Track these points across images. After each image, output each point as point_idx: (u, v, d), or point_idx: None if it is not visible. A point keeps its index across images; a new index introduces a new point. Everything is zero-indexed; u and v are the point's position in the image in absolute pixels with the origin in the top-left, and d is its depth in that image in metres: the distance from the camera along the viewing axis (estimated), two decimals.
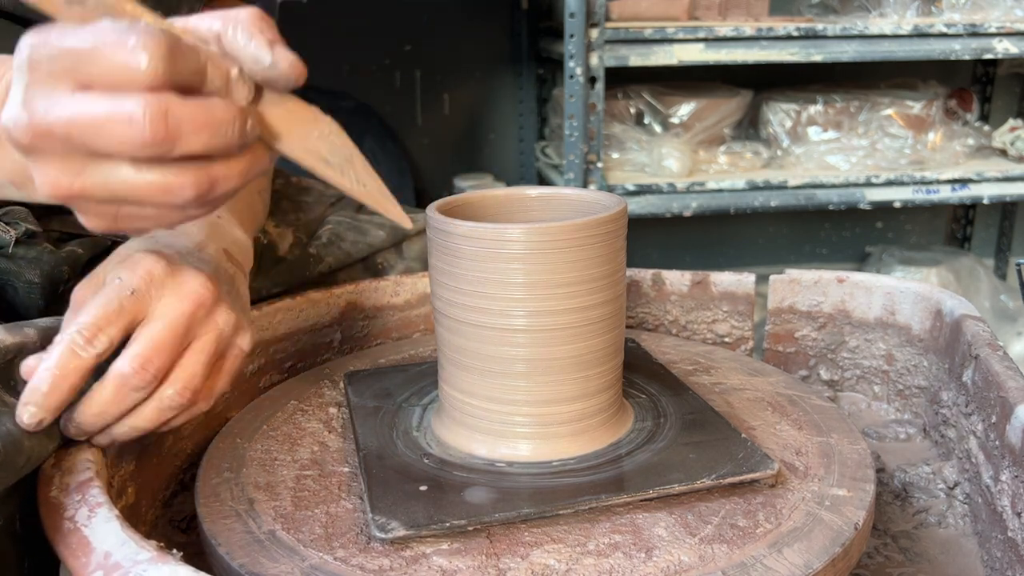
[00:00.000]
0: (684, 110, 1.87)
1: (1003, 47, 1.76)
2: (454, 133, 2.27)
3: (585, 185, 1.76)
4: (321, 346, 0.76)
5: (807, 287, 0.78)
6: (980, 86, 2.30)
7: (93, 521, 0.41)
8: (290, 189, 0.90)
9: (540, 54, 2.17)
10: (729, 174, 1.86)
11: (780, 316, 0.79)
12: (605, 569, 0.43)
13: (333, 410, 0.63)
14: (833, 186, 1.82)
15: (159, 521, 0.58)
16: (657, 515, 0.48)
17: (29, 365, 0.46)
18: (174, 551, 0.39)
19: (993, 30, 1.75)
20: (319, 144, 0.45)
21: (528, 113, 2.27)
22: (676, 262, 2.36)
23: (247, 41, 0.41)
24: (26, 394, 0.44)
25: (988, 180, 1.86)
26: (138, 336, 0.47)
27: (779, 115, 1.91)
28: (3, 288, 0.60)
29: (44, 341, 0.48)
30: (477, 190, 0.65)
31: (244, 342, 0.52)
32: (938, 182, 1.84)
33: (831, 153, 1.87)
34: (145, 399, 0.47)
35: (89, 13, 0.38)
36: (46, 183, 0.39)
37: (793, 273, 0.78)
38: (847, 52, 1.74)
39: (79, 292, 0.50)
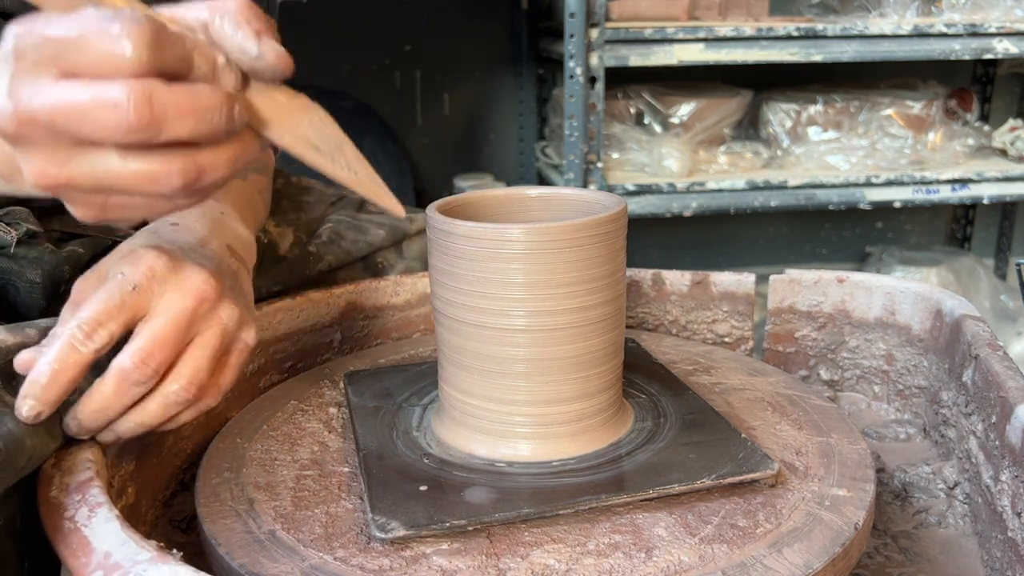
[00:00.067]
0: (684, 110, 1.87)
1: (1003, 47, 1.76)
2: (454, 133, 2.27)
3: (585, 185, 1.76)
4: (321, 346, 0.76)
5: (807, 287, 0.78)
6: (980, 86, 2.30)
7: (93, 521, 0.41)
8: (291, 189, 0.90)
9: (540, 54, 2.17)
10: (729, 174, 1.86)
11: (780, 316, 0.79)
12: (605, 569, 0.43)
13: (333, 410, 0.63)
14: (833, 186, 1.82)
15: (159, 521, 0.58)
16: (657, 515, 0.48)
17: (24, 359, 0.46)
18: (174, 551, 0.39)
19: (993, 30, 1.75)
20: (309, 132, 0.44)
21: (528, 113, 2.27)
22: (676, 262, 2.36)
23: (234, 31, 0.41)
24: (25, 387, 0.44)
25: (988, 180, 1.86)
26: (140, 331, 0.47)
27: (779, 115, 1.91)
28: (4, 288, 0.60)
29: None
30: (477, 190, 0.65)
31: (249, 336, 0.52)
32: (938, 182, 1.84)
33: (831, 153, 1.87)
34: (148, 395, 0.47)
35: (74, 1, 0.38)
36: (33, 173, 0.39)
37: (793, 273, 0.78)
38: (847, 52, 1.74)
39: (80, 285, 0.50)
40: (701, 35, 1.70)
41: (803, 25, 1.73)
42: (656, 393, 0.61)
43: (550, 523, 0.47)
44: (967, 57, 1.77)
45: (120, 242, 0.54)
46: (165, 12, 0.41)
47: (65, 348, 0.44)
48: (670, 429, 0.55)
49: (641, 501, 0.48)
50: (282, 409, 0.63)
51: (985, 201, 1.88)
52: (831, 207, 1.82)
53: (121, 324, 0.46)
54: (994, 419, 0.54)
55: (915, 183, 1.84)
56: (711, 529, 0.46)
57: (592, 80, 1.70)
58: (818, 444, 0.56)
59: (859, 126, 1.88)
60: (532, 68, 2.23)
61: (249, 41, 0.41)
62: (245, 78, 0.42)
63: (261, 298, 0.72)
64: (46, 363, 0.44)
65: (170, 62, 0.38)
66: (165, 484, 0.61)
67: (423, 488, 0.49)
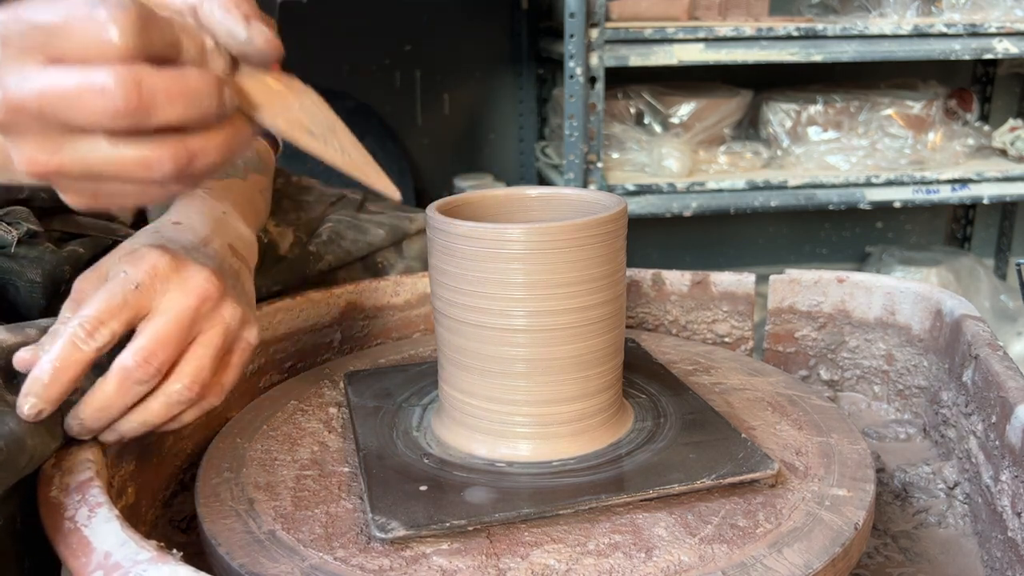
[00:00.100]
0: (684, 110, 1.87)
1: (1003, 47, 1.76)
2: (454, 133, 2.27)
3: (585, 185, 1.76)
4: (321, 346, 0.76)
5: (807, 287, 0.78)
6: (980, 86, 2.30)
7: (93, 521, 0.41)
8: (291, 188, 0.90)
9: (540, 54, 2.17)
10: (729, 174, 1.86)
11: (780, 316, 0.79)
12: (605, 569, 0.43)
13: (333, 410, 0.63)
14: (833, 186, 1.82)
15: (159, 521, 0.58)
16: (657, 515, 0.48)
17: (22, 357, 0.46)
18: (174, 551, 0.39)
19: (993, 30, 1.75)
20: (301, 115, 0.44)
21: (528, 113, 2.27)
22: (676, 262, 2.36)
23: (223, 15, 0.40)
24: (27, 385, 0.44)
25: (988, 180, 1.86)
26: (142, 330, 0.47)
27: (779, 115, 1.91)
28: (5, 287, 0.60)
29: None
30: (477, 190, 0.65)
31: (251, 335, 0.52)
32: (938, 182, 1.84)
33: (831, 153, 1.87)
34: (151, 394, 0.47)
35: None
36: (23, 160, 0.39)
37: (793, 273, 0.78)
38: (847, 52, 1.74)
39: (80, 284, 0.50)
40: (701, 35, 1.70)
41: (803, 25, 1.73)
42: (656, 393, 0.61)
43: (550, 523, 0.47)
44: (967, 57, 1.77)
45: (121, 241, 0.54)
46: None
47: (67, 346, 0.44)
48: (670, 429, 0.55)
49: (641, 501, 0.48)
50: (282, 409, 0.63)
51: (985, 201, 1.88)
52: (831, 207, 1.82)
53: (123, 323, 0.46)
54: (994, 419, 0.54)
55: (915, 183, 1.84)
56: (711, 529, 0.46)
57: (592, 80, 1.70)
58: (818, 444, 0.56)
59: (859, 126, 1.88)
60: (532, 68, 2.23)
61: (238, 25, 0.41)
62: (235, 63, 0.42)
63: (261, 298, 0.72)
64: (48, 361, 0.44)
65: (158, 47, 0.37)
66: (165, 484, 0.61)
67: (423, 488, 0.49)
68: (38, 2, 0.37)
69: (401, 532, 0.44)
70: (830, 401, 0.63)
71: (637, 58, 1.70)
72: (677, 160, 1.81)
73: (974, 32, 1.75)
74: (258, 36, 0.41)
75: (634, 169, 1.88)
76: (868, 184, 1.82)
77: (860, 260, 2.44)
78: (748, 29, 1.71)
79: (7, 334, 0.49)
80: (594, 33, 1.66)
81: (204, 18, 0.41)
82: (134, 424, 0.48)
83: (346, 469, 0.55)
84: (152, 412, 0.48)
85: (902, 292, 0.73)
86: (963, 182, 1.85)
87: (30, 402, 0.44)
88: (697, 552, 0.44)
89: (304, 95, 0.44)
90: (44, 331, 0.49)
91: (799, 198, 1.81)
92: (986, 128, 2.03)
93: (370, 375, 0.66)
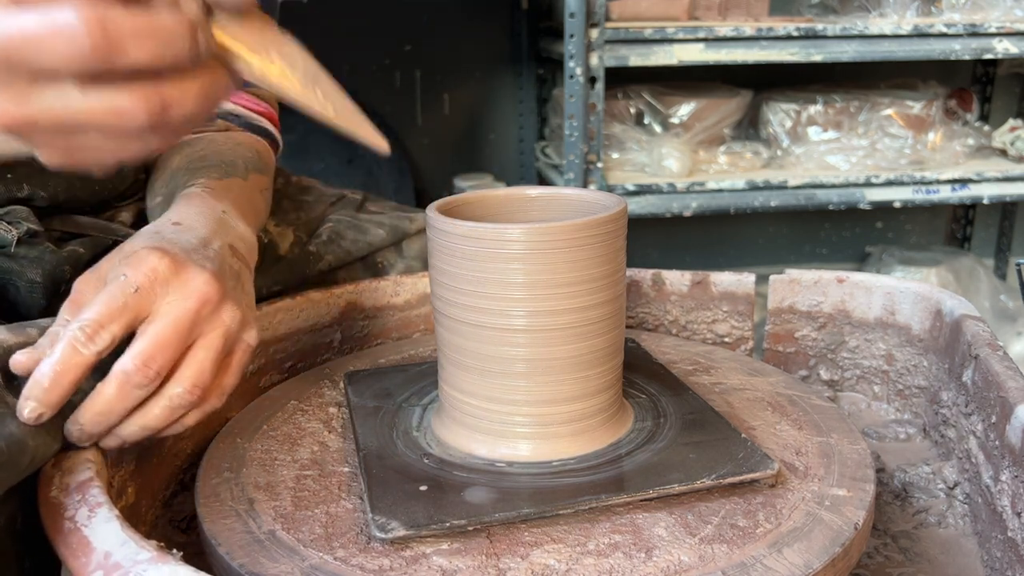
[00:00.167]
0: (684, 110, 1.87)
1: (1003, 47, 1.76)
2: (454, 133, 2.27)
3: (585, 185, 1.76)
4: (321, 346, 0.76)
5: (807, 287, 0.78)
6: (980, 86, 2.30)
7: (93, 521, 0.41)
8: (291, 188, 0.91)
9: (540, 54, 2.17)
10: (729, 174, 1.86)
11: (780, 316, 0.79)
12: (605, 569, 0.43)
13: (333, 410, 0.63)
14: (833, 186, 1.82)
15: (159, 521, 0.58)
16: (657, 515, 0.48)
17: (19, 360, 0.46)
18: (174, 551, 0.39)
19: (993, 30, 1.75)
20: (280, 63, 0.42)
21: (528, 113, 2.27)
22: (676, 262, 2.36)
23: None
24: (27, 389, 0.44)
25: (988, 180, 1.86)
26: (142, 334, 0.46)
27: (779, 115, 1.91)
28: (5, 287, 0.60)
29: None
30: (477, 190, 0.65)
31: (251, 337, 0.52)
32: (938, 182, 1.84)
33: (831, 153, 1.87)
34: (152, 398, 0.47)
35: None
36: None
37: (793, 273, 0.78)
38: (847, 52, 1.74)
39: (79, 286, 0.50)
40: (701, 35, 1.70)
41: (803, 25, 1.73)
42: (656, 393, 0.61)
43: (550, 523, 0.47)
44: (967, 57, 1.77)
45: (121, 241, 0.54)
46: None
47: (67, 350, 0.44)
48: (670, 429, 0.55)
49: (641, 501, 0.48)
50: (282, 409, 0.63)
51: (985, 201, 1.88)
52: (831, 207, 1.82)
53: (123, 326, 0.46)
54: (994, 419, 0.54)
55: (915, 183, 1.84)
56: (711, 529, 0.46)
57: (592, 80, 1.70)
58: (818, 444, 0.56)
59: (859, 126, 1.88)
60: (532, 68, 2.23)
61: None
62: (209, 10, 0.40)
63: (261, 298, 0.72)
64: (48, 365, 0.44)
65: None
66: (165, 484, 0.61)
67: (423, 488, 0.49)
68: None
69: (401, 532, 0.44)
70: (830, 401, 0.63)
71: (637, 58, 1.70)
72: (677, 160, 1.81)
73: (974, 32, 1.75)
74: None
75: (634, 169, 1.88)
76: (868, 184, 1.82)
77: (860, 260, 2.44)
78: (748, 29, 1.71)
79: (7, 334, 0.49)
80: (594, 33, 1.66)
81: None
82: (135, 428, 0.48)
83: (346, 469, 0.55)
84: (153, 416, 0.47)
85: (902, 292, 0.73)
86: (963, 182, 1.85)
87: (30, 406, 0.44)
88: (697, 552, 0.44)
89: (284, 43, 0.42)
90: (44, 331, 0.49)
91: (799, 198, 1.81)
92: (986, 128, 2.03)
93: (370, 375, 0.66)
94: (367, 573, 0.43)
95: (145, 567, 0.37)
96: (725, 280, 0.79)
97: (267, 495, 0.51)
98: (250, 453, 0.56)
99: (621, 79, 1.88)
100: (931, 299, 0.70)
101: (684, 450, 0.52)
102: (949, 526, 0.59)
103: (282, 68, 0.42)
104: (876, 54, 1.75)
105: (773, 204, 1.81)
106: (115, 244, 0.55)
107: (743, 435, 0.53)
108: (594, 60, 1.68)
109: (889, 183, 1.83)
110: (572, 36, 1.63)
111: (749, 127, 2.00)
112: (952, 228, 2.48)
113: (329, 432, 0.60)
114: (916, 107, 1.86)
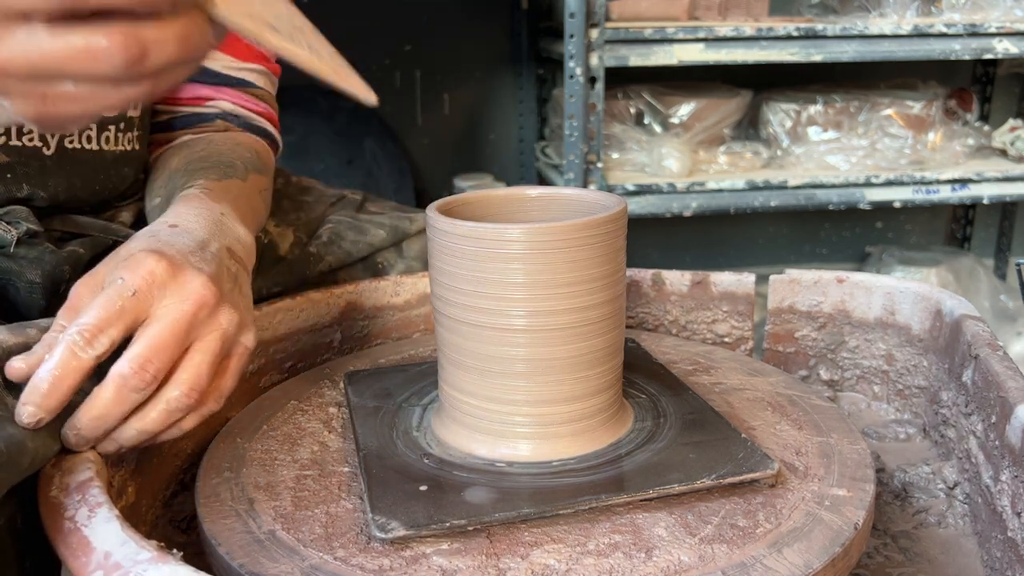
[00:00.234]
0: (684, 110, 1.87)
1: (1003, 47, 1.76)
2: (454, 133, 2.27)
3: (585, 185, 1.76)
4: (321, 346, 0.76)
5: (807, 287, 0.78)
6: (980, 86, 2.30)
7: (93, 521, 0.41)
8: (291, 189, 0.90)
9: (540, 54, 2.17)
10: (729, 174, 1.86)
11: (780, 316, 0.79)
12: (605, 569, 0.43)
13: (333, 410, 0.63)
14: (833, 186, 1.82)
15: (159, 521, 0.58)
16: (657, 515, 0.48)
17: (15, 367, 0.46)
18: (174, 551, 0.39)
19: (993, 30, 1.75)
20: (263, 10, 0.41)
21: (528, 113, 2.27)
22: (676, 262, 2.36)
23: None
24: (25, 394, 0.44)
25: (988, 180, 1.86)
26: (139, 337, 0.46)
27: (779, 115, 1.91)
28: (4, 288, 0.60)
29: None
30: (477, 190, 0.65)
31: (248, 340, 0.52)
32: (938, 182, 1.84)
33: (831, 153, 1.87)
34: (149, 401, 0.47)
35: None
36: None
37: (793, 273, 0.78)
38: (847, 52, 1.74)
39: (78, 289, 0.50)
40: (701, 35, 1.70)
41: (803, 25, 1.73)
42: (656, 393, 0.61)
43: (550, 523, 0.47)
44: (967, 57, 1.77)
45: (122, 241, 0.54)
46: None
47: (66, 354, 0.44)
48: (670, 429, 0.55)
49: (641, 501, 0.48)
50: (282, 409, 0.63)
51: (985, 201, 1.88)
52: (831, 207, 1.82)
53: (122, 330, 0.46)
54: (994, 419, 0.54)
55: (915, 183, 1.84)
56: (711, 529, 0.46)
57: (592, 80, 1.70)
58: (818, 444, 0.56)
59: (859, 126, 1.88)
60: (532, 68, 2.23)
61: None
62: None
63: (261, 298, 0.72)
64: (47, 370, 0.44)
65: None
66: (165, 484, 0.61)
67: (423, 488, 0.49)
68: None
69: (401, 532, 0.44)
70: (830, 401, 0.63)
71: (637, 58, 1.70)
72: (677, 160, 1.81)
73: (974, 32, 1.75)
74: None
75: (634, 169, 1.88)
76: (868, 184, 1.82)
77: (860, 260, 2.44)
78: (748, 29, 1.71)
79: (7, 334, 0.49)
80: (594, 33, 1.66)
81: None
82: (132, 432, 0.47)
83: (346, 469, 0.55)
84: (150, 420, 0.47)
85: (902, 292, 0.73)
86: (963, 182, 1.85)
87: (28, 411, 0.44)
88: (697, 552, 0.44)
89: None
90: (44, 331, 0.49)
91: (799, 198, 1.81)
92: (986, 128, 2.03)
93: (370, 375, 0.66)
94: (367, 573, 0.43)
95: (145, 567, 0.37)
96: (725, 280, 0.79)
97: (267, 495, 0.51)
98: (250, 453, 0.56)
99: (621, 79, 1.88)
100: (931, 299, 0.70)
101: (684, 450, 0.52)
102: (949, 526, 0.59)
103: (263, 16, 0.41)
104: (876, 54, 1.75)
105: (773, 204, 1.81)
106: (115, 244, 0.55)
107: (743, 435, 0.53)
108: (594, 60, 1.68)
109: (889, 183, 1.83)
110: (572, 36, 1.63)
111: (749, 127, 2.00)
112: (952, 228, 2.48)
113: (329, 432, 0.60)
114: (916, 107, 1.86)
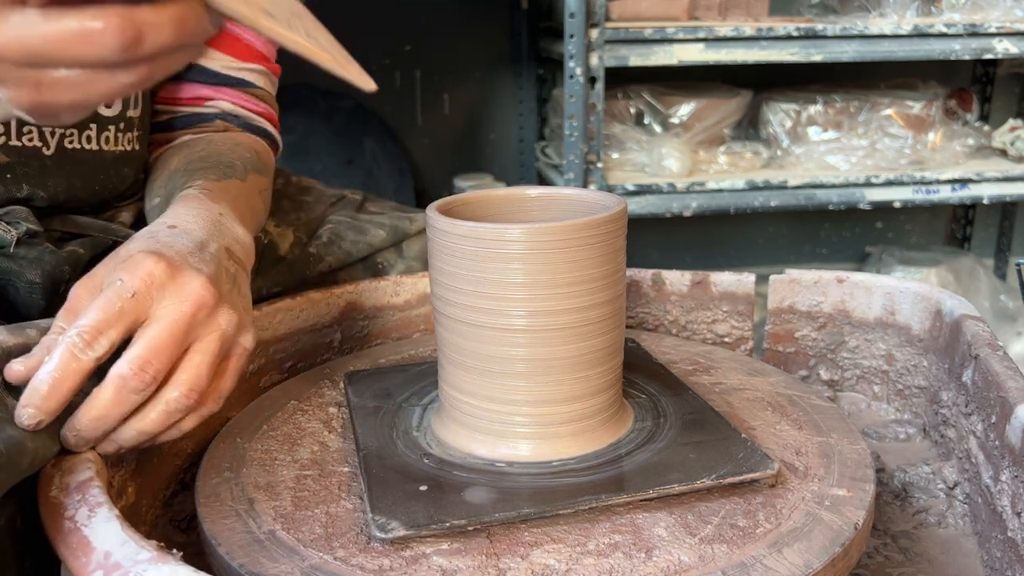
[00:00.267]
0: (684, 110, 1.87)
1: (1003, 47, 1.76)
2: (454, 133, 2.27)
3: (585, 185, 1.76)
4: (321, 346, 0.76)
5: (807, 287, 0.78)
6: (980, 86, 2.30)
7: (93, 521, 0.41)
8: (291, 189, 0.90)
9: (540, 54, 2.17)
10: (729, 174, 1.86)
11: (780, 316, 0.79)
12: (605, 569, 0.43)
13: (333, 410, 0.63)
14: (833, 186, 1.82)
15: (159, 521, 0.58)
16: (657, 515, 0.48)
17: (15, 370, 0.46)
18: (174, 551, 0.39)
19: (993, 30, 1.75)
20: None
21: (528, 113, 2.27)
22: (676, 262, 2.36)
23: None
24: (25, 396, 0.44)
25: (988, 180, 1.86)
26: (138, 338, 0.46)
27: (779, 115, 1.91)
28: (4, 288, 0.60)
29: None
30: (477, 190, 0.65)
31: (247, 341, 0.52)
32: (938, 182, 1.84)
33: (831, 153, 1.87)
34: (148, 402, 0.47)
35: None
36: None
37: (793, 273, 0.78)
38: (847, 52, 1.74)
39: (77, 290, 0.50)
40: (701, 35, 1.70)
41: (803, 25, 1.73)
42: (656, 393, 0.61)
43: (550, 523, 0.47)
44: (967, 57, 1.77)
45: (121, 242, 0.54)
46: None
47: (65, 356, 0.44)
48: (670, 429, 0.55)
49: (641, 501, 0.48)
50: (282, 409, 0.63)
51: (985, 201, 1.88)
52: (831, 207, 1.82)
53: (121, 331, 0.46)
54: (994, 419, 0.54)
55: (915, 183, 1.84)
56: (711, 529, 0.46)
57: (592, 80, 1.70)
58: (818, 444, 0.56)
59: (859, 126, 1.88)
60: (532, 68, 2.23)
61: None
62: None
63: (261, 299, 0.72)
64: (46, 372, 0.44)
65: None
66: (165, 484, 0.61)
67: (423, 488, 0.49)
68: None
69: (401, 532, 0.44)
70: (830, 401, 0.63)
71: (637, 58, 1.70)
72: (677, 160, 1.81)
73: (974, 32, 1.75)
74: None
75: (634, 169, 1.88)
76: (868, 184, 1.82)
77: (860, 260, 2.44)
78: (748, 29, 1.71)
79: (7, 335, 0.49)
80: (594, 33, 1.66)
81: None
82: (131, 433, 0.47)
83: (346, 469, 0.55)
84: (149, 421, 0.47)
85: (902, 292, 0.73)
86: (963, 182, 1.85)
87: (28, 413, 0.44)
88: (697, 552, 0.44)
89: None
90: (44, 332, 0.49)
91: (799, 198, 1.81)
92: (986, 128, 2.03)
93: (370, 375, 0.66)
94: (367, 573, 0.43)
95: (145, 567, 0.37)
96: (725, 280, 0.79)
97: (267, 495, 0.51)
98: (250, 453, 0.56)
99: (621, 79, 1.88)
100: (931, 299, 0.70)
101: (684, 450, 0.52)
102: (949, 526, 0.59)
103: (258, 1, 0.40)
104: (876, 54, 1.75)
105: (773, 204, 1.81)
106: (115, 244, 0.55)
107: (743, 435, 0.53)
108: (594, 60, 1.68)
109: (889, 183, 1.83)
110: (572, 36, 1.63)
111: (749, 127, 2.00)
112: (952, 228, 2.48)
113: (329, 432, 0.60)
114: (916, 107, 1.86)
